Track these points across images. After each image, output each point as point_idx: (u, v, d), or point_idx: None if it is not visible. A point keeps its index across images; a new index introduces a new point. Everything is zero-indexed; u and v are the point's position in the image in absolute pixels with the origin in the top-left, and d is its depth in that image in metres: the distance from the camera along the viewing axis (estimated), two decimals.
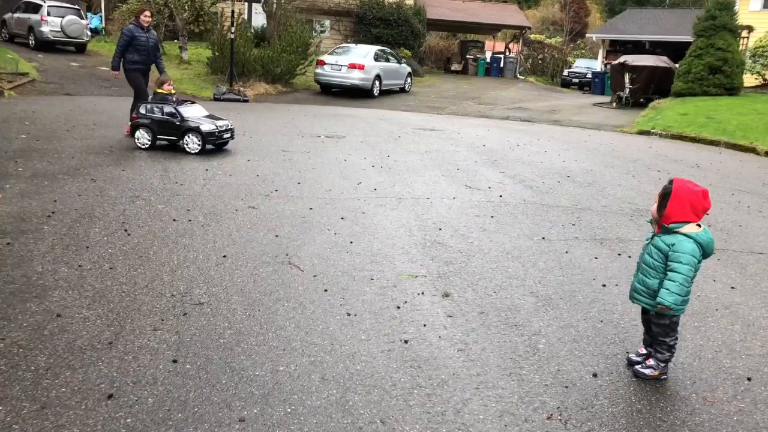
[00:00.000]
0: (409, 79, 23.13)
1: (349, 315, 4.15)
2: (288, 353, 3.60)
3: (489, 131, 13.90)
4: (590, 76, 31.40)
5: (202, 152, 8.87)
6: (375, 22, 29.20)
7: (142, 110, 9.07)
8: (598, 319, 4.33)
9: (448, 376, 3.47)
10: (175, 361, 3.43)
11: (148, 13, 10.28)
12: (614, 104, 21.96)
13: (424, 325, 4.07)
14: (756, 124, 15.44)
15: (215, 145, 9.18)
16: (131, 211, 6.04)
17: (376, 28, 29.10)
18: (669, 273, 3.35)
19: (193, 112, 9.19)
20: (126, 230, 5.47)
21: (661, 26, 32.53)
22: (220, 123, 9.16)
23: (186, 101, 9.63)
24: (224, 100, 16.83)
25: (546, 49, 39.92)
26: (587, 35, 39.08)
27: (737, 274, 5.40)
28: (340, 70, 19.83)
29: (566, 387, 3.43)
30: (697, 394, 3.44)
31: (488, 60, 36.09)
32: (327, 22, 30.94)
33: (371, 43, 25.88)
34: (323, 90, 20.75)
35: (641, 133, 15.84)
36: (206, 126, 8.94)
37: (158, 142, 9.07)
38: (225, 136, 9.26)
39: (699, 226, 3.35)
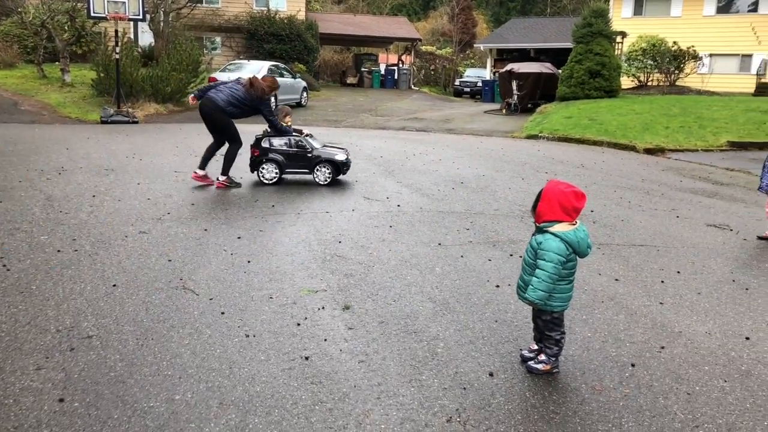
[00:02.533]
0: (305, 94, 23.10)
1: (247, 336, 4.07)
2: (184, 381, 3.49)
3: (386, 142, 14.08)
4: (480, 85, 32.49)
5: (90, 178, 8.48)
6: (267, 37, 29.03)
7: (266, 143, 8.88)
8: (493, 319, 4.46)
9: (350, 389, 3.48)
10: (61, 400, 3.25)
11: None
12: (504, 111, 22.81)
13: (325, 340, 4.05)
14: (634, 123, 16.48)
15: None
16: (10, 244, 5.68)
17: (268, 43, 28.93)
18: (536, 270, 3.50)
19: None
20: (5, 265, 5.14)
21: (543, 34, 34.16)
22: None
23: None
24: (112, 122, 16.18)
25: (437, 60, 40.97)
26: (475, 45, 40.45)
27: (620, 267, 5.72)
28: None
29: (464, 389, 3.51)
30: (587, 384, 3.61)
31: (383, 72, 36.63)
32: (218, 39, 30.44)
33: (264, 59, 25.70)
34: None
35: (530, 137, 16.52)
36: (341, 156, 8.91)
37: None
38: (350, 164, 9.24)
39: (573, 224, 3.51)
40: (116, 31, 17.12)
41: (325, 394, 3.42)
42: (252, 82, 8.65)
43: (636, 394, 3.50)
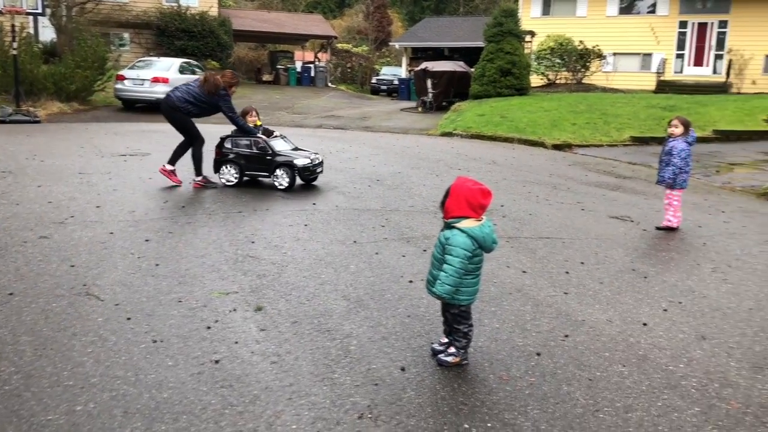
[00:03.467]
0: None
1: (155, 342, 3.96)
2: (86, 391, 3.35)
3: (303, 140, 13.92)
4: (397, 83, 32.77)
5: None
6: (178, 34, 28.23)
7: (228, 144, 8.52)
8: (406, 314, 4.52)
9: (261, 391, 3.44)
10: None
11: None
12: (420, 109, 23.10)
13: (236, 343, 3.99)
14: (543, 120, 17.03)
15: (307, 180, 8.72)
16: None
17: (179, 40, 28.14)
18: (443, 265, 3.58)
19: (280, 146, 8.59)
20: None
21: (457, 33, 34.81)
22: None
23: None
24: (11, 122, 15.34)
25: (354, 58, 41.05)
26: (391, 43, 40.76)
27: (528, 259, 5.91)
28: (142, 84, 18.90)
29: (376, 384, 3.54)
30: (495, 375, 3.71)
31: (299, 70, 36.34)
32: (126, 35, 29.36)
33: (175, 55, 24.99)
34: (126, 106, 19.65)
35: (444, 134, 16.81)
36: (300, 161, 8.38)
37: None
38: (318, 170, 8.72)
39: (480, 220, 3.60)
40: (13, 26, 16.23)
41: (236, 397, 3.37)
42: (206, 77, 8.50)
43: (541, 382, 3.63)
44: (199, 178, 8.55)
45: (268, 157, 8.40)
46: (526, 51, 24.69)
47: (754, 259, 6.19)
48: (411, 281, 5.17)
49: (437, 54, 33.76)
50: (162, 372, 3.60)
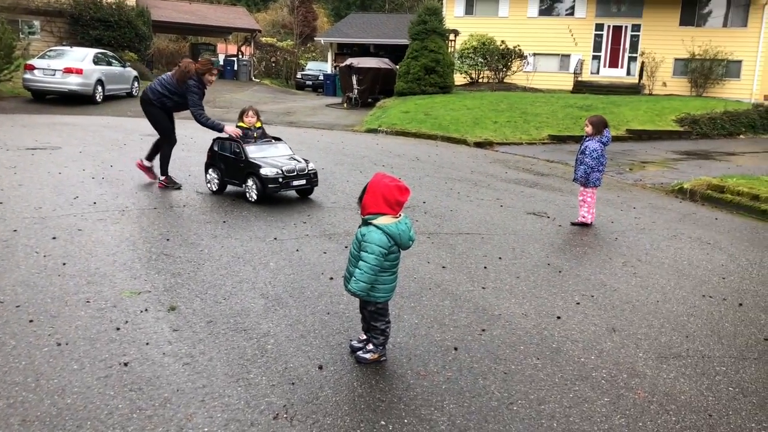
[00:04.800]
0: (136, 84, 21.85)
1: (59, 345, 3.76)
2: None
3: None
4: (322, 79, 32.56)
5: None
6: (93, 23, 27.08)
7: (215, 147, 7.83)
8: (326, 311, 4.47)
9: (172, 393, 3.32)
10: None
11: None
12: (345, 105, 23.05)
13: (147, 344, 3.84)
14: (466, 118, 17.29)
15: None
16: None
17: (95, 29, 27.01)
18: (359, 262, 3.56)
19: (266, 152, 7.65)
20: None
21: (382, 30, 34.90)
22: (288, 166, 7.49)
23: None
24: None
25: (278, 53, 40.52)
26: (316, 38, 40.43)
27: (447, 254, 5.97)
28: (54, 75, 18.02)
29: (293, 384, 3.48)
30: (413, 370, 3.72)
31: (221, 63, 35.59)
32: (36, 23, 27.93)
33: (91, 45, 23.98)
34: (36, 97, 18.71)
35: (369, 131, 16.81)
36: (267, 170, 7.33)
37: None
38: (295, 183, 7.57)
39: (397, 217, 3.58)
40: None
41: (145, 400, 3.24)
42: (178, 64, 8.01)
43: (458, 377, 3.66)
44: (163, 178, 8.07)
45: (241, 164, 7.52)
46: (450, 50, 25.02)
47: (662, 253, 6.47)
48: (332, 278, 5.12)
49: (363, 50, 33.74)
50: (66, 376, 3.42)
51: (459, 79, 25.72)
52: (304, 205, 7.51)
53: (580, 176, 7.21)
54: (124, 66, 21.31)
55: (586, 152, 7.14)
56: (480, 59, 26.37)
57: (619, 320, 4.63)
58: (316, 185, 7.93)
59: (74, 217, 6.42)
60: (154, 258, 5.37)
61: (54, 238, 5.69)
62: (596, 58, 27.88)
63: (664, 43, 25.89)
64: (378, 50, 33.80)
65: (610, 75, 27.41)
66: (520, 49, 26.31)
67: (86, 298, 4.45)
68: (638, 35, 26.96)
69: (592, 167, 7.14)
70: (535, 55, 28.04)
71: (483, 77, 27.09)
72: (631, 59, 27.28)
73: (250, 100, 24.30)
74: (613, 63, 27.84)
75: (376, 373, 3.67)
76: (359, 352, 3.78)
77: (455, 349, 4.00)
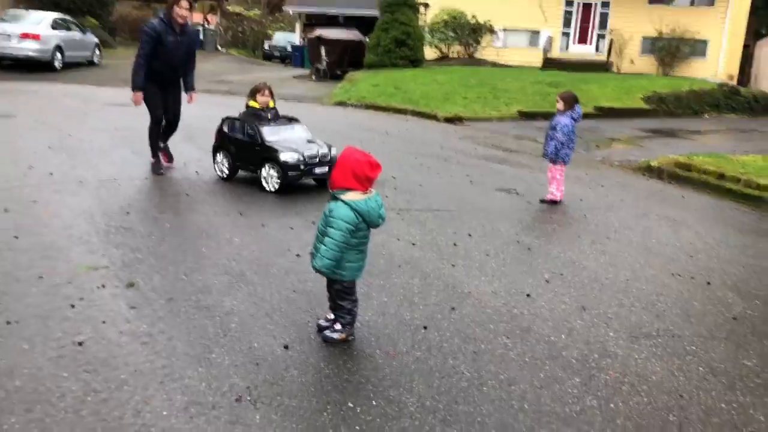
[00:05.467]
0: (97, 51, 21.19)
1: (9, 323, 3.57)
2: None
3: (187, 106, 13.30)
4: (290, 50, 32.02)
5: None
6: None
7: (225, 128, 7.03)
8: (292, 289, 4.34)
9: (129, 375, 3.17)
10: None
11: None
12: (314, 77, 22.69)
13: (103, 322, 3.67)
14: (436, 93, 17.13)
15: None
16: None
17: None
18: (324, 238, 3.44)
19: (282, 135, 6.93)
20: None
21: (352, 1, 34.32)
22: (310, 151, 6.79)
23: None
24: None
25: (245, 22, 39.71)
26: (285, 8, 39.64)
27: (417, 231, 5.86)
28: (10, 39, 17.35)
29: (257, 364, 3.35)
30: (381, 350, 3.62)
31: None
32: None
33: (49, 9, 23.11)
34: None
35: (338, 104, 16.55)
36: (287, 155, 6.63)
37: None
38: (317, 170, 6.85)
39: (367, 193, 3.45)
40: None
41: (100, 382, 3.09)
42: None
43: (427, 357, 3.57)
44: (153, 161, 7.46)
45: (257, 148, 6.80)
46: (421, 23, 24.72)
47: (630, 231, 6.46)
48: (298, 255, 4.98)
49: (332, 21, 33.17)
50: (15, 357, 3.24)
51: (429, 53, 25.46)
52: None
53: (551, 152, 7.14)
54: (84, 32, 20.60)
55: (557, 127, 7.07)
56: (450, 33, 26.12)
57: (588, 299, 4.58)
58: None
59: (28, 188, 6.16)
60: (113, 232, 5.16)
61: (6, 210, 5.44)
62: (566, 34, 27.83)
63: (633, 20, 25.92)
64: (347, 21, 33.28)
65: (579, 52, 27.40)
66: (490, 24, 26.13)
67: (39, 273, 4.25)
68: (608, 12, 26.96)
69: (563, 143, 7.08)
70: (505, 30, 27.88)
71: (453, 52, 26.87)
72: (600, 36, 27.28)
73: (216, 70, 23.77)
74: (582, 40, 27.83)
75: (344, 353, 3.56)
76: (326, 332, 3.67)
77: (425, 328, 3.91)
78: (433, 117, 15.05)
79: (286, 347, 3.55)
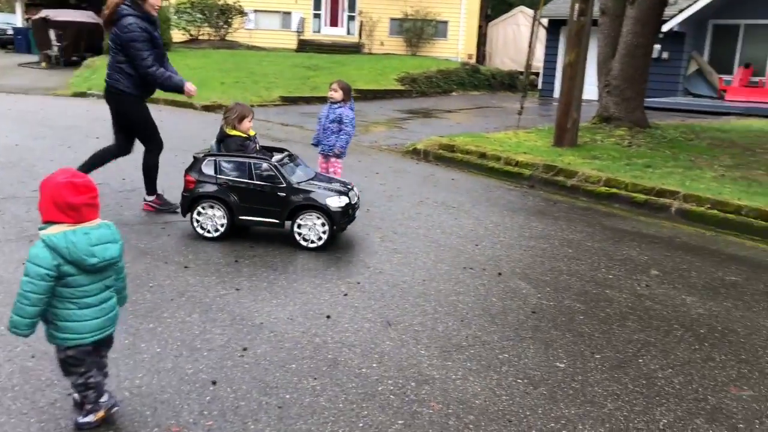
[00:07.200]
0: None
1: None
2: None
3: None
4: (11, 33, 28.01)
5: None
6: None
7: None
8: (29, 354, 3.33)
9: None
10: None
11: None
12: (44, 64, 20.00)
13: None
14: (190, 79, 15.84)
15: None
16: None
17: None
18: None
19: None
20: None
21: None
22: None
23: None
24: None
25: None
26: None
27: (187, 249, 5.02)
28: None
29: None
30: (161, 427, 2.82)
31: None
32: None
33: None
34: None
35: (77, 95, 14.66)
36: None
37: None
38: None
39: (76, 225, 2.57)
40: None
41: None
42: None
43: (221, 425, 2.86)
44: (151, 198, 5.91)
45: (281, 194, 5.23)
46: (165, 3, 22.93)
47: (414, 222, 6.26)
48: None
49: (61, 1, 29.57)
50: None
51: (177, 35, 23.81)
52: None
53: (341, 146, 6.59)
54: None
55: (345, 121, 6.56)
56: (198, 15, 24.69)
57: (391, 310, 4.19)
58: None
59: None
60: None
61: None
62: (317, 16, 27.83)
63: (381, 2, 26.66)
64: (80, 2, 29.89)
65: (331, 34, 27.58)
66: (240, 6, 25.17)
67: None
68: None
69: (352, 135, 6.69)
70: (256, 11, 27.09)
71: (203, 34, 25.47)
72: (350, 18, 27.72)
73: None
74: (334, 22, 28.06)
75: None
76: (78, 418, 2.76)
77: (213, 383, 3.18)
78: (189, 105, 13.92)
79: None
